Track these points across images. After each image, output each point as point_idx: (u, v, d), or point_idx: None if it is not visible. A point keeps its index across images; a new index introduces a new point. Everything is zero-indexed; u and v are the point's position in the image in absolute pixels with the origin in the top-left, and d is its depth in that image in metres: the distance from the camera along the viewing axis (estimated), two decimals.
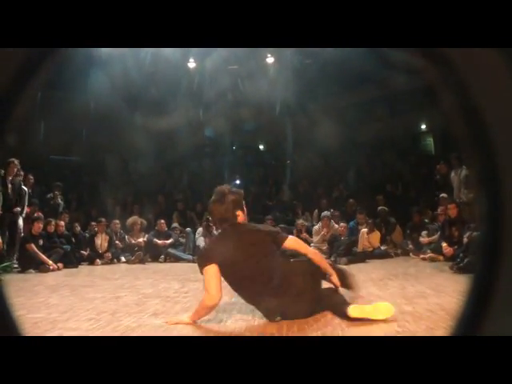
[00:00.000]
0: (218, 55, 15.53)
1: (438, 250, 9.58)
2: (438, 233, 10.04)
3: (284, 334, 3.49)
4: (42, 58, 1.11)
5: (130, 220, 12.80)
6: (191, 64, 17.11)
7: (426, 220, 11.56)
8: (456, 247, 8.70)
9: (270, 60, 17.25)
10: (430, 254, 9.74)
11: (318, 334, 3.46)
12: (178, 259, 11.63)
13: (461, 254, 7.62)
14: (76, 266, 10.34)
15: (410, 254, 11.05)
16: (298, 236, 11.46)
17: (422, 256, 10.17)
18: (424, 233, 10.79)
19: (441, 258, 9.29)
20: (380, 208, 12.26)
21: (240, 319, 4.05)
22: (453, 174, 10.85)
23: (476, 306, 1.09)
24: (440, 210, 10.48)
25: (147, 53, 14.55)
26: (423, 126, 19.36)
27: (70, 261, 10.27)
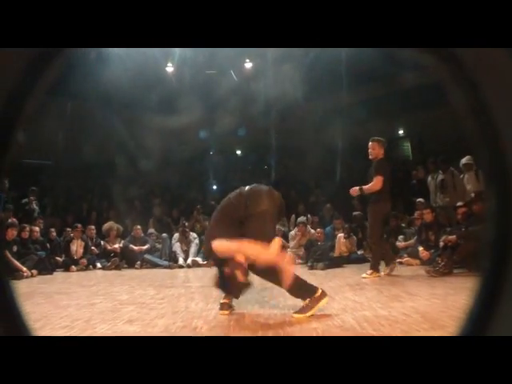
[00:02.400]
0: (196, 59, 15.54)
1: (414, 254, 9.65)
2: (415, 237, 10.12)
3: (260, 334, 3.47)
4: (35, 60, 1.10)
5: (106, 226, 12.73)
6: (169, 68, 17.12)
7: (403, 224, 11.62)
8: (432, 251, 8.78)
9: (249, 65, 17.30)
10: (406, 258, 9.79)
11: (301, 334, 3.45)
12: (154, 265, 11.59)
13: (437, 258, 7.69)
14: (51, 273, 10.24)
15: None
16: None
17: (398, 260, 10.22)
18: (401, 237, 10.86)
19: (417, 261, 9.36)
20: (356, 213, 12.30)
21: (216, 326, 4.02)
22: (429, 178, 10.96)
23: (484, 305, 1.08)
24: (416, 214, 10.57)
25: (128, 55, 14.45)
26: (400, 131, 19.51)
27: (45, 267, 10.16)
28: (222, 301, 4.66)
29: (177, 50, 15.49)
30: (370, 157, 7.84)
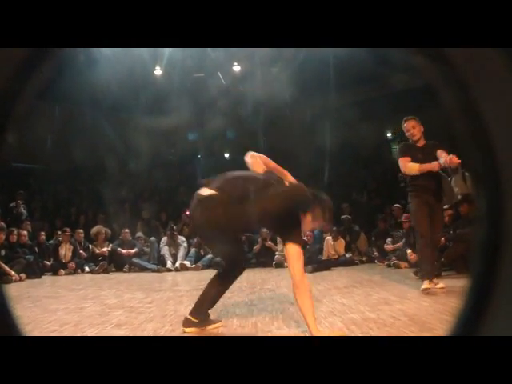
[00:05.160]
0: (184, 62, 15.52)
1: (402, 256, 9.69)
2: (403, 240, 10.14)
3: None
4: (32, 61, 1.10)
5: (95, 229, 12.67)
6: (157, 71, 17.10)
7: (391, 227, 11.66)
8: None
9: (237, 68, 17.31)
10: (394, 261, 9.83)
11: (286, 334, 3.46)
12: (142, 269, 11.55)
13: None
14: (39, 277, 10.18)
15: (375, 261, 11.13)
16: (263, 244, 11.50)
17: (386, 263, 10.25)
18: (389, 240, 10.88)
19: (405, 264, 9.40)
20: (343, 216, 12.35)
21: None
22: None
23: (475, 306, 1.09)
24: (404, 217, 10.58)
25: (117, 57, 14.40)
26: (389, 134, 19.54)
27: (33, 271, 10.10)
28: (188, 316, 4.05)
29: (165, 52, 15.45)
30: (415, 137, 6.56)
